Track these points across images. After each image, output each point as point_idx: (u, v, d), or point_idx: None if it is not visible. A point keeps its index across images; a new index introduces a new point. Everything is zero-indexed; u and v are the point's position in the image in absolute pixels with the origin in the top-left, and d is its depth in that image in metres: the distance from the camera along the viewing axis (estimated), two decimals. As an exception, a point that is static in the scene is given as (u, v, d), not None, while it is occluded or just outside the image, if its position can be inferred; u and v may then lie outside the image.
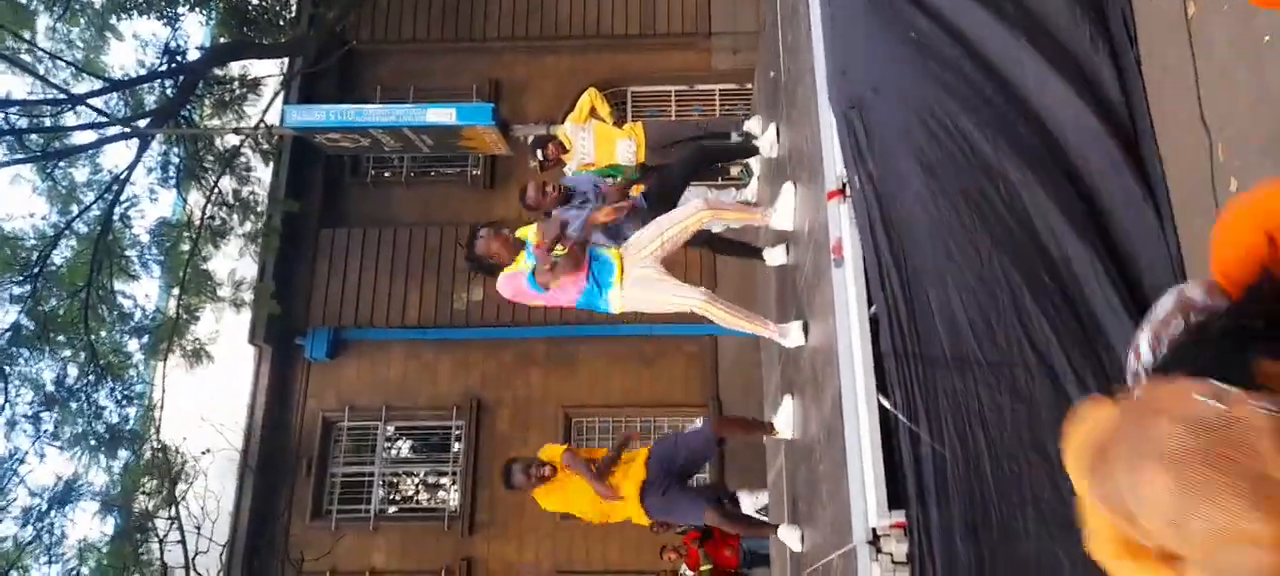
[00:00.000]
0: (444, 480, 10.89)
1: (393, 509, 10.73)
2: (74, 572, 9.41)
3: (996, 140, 2.91)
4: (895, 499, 2.71)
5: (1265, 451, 0.73)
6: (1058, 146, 2.95)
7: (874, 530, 2.73)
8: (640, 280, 4.62)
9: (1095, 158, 2.92)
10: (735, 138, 6.38)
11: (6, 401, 8.77)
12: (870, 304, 3.01)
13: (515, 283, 4.65)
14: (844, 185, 3.28)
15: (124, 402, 9.77)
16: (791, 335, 4.54)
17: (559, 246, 4.53)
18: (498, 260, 4.72)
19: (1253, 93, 2.53)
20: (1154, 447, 0.77)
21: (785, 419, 4.93)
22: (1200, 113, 2.71)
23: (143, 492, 9.44)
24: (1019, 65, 3.11)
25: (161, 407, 9.39)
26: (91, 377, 9.30)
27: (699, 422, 5.59)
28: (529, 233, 4.79)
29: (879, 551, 2.70)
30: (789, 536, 4.93)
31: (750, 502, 6.70)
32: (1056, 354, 2.75)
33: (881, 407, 2.84)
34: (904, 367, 2.78)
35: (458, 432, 10.41)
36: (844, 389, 3.02)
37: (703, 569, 7.44)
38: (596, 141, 6.03)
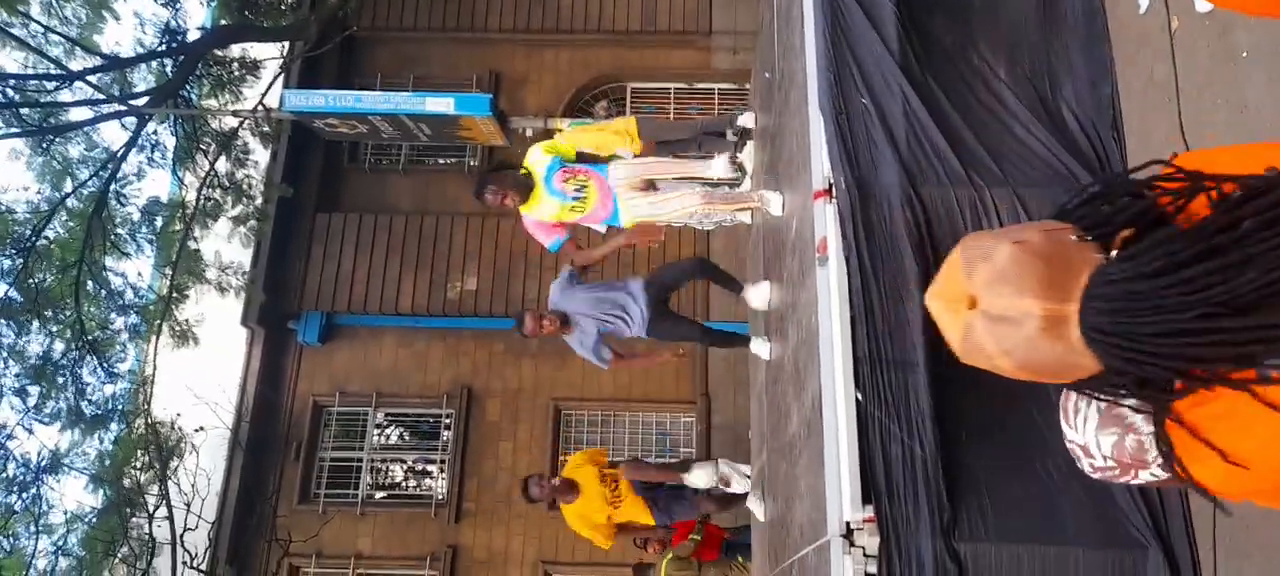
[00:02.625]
0: (432, 468, 10.93)
1: (380, 495, 10.77)
2: (62, 542, 9.44)
3: (973, 156, 2.96)
4: (869, 495, 2.76)
5: (1077, 281, 0.93)
6: (1032, 161, 3.00)
7: (848, 524, 2.77)
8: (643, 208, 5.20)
9: (1072, 171, 2.97)
10: (730, 135, 6.43)
11: (-3, 375, 8.79)
12: (851, 304, 3.05)
13: (540, 231, 5.23)
14: (830, 186, 3.33)
15: (112, 378, 9.79)
16: (773, 205, 4.72)
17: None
18: (512, 209, 5.13)
19: (1231, 105, 2.58)
20: (1019, 234, 0.98)
21: (754, 504, 5.36)
22: (1180, 123, 2.75)
23: (132, 467, 9.46)
24: (996, 97, 3.16)
25: (152, 384, 9.41)
26: (78, 352, 9.32)
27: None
28: (539, 161, 5.10)
29: (852, 545, 2.74)
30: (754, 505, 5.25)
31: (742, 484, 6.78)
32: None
33: (858, 404, 2.88)
34: (878, 371, 2.82)
35: (447, 421, 10.44)
36: (824, 385, 3.06)
37: (692, 537, 7.49)
38: (596, 148, 6.12)
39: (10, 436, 9.05)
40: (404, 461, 11.24)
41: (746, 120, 6.32)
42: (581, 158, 5.87)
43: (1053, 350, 0.95)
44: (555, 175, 5.07)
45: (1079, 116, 3.03)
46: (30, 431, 9.11)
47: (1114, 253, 0.97)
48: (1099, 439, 1.13)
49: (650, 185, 5.32)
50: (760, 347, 5.08)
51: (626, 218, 5.22)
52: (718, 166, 6.33)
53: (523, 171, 5.20)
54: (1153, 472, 1.11)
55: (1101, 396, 1.04)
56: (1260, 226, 0.85)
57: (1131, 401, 1.03)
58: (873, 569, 2.67)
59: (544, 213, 5.10)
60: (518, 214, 5.28)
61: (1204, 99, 2.70)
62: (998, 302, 0.96)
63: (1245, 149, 1.02)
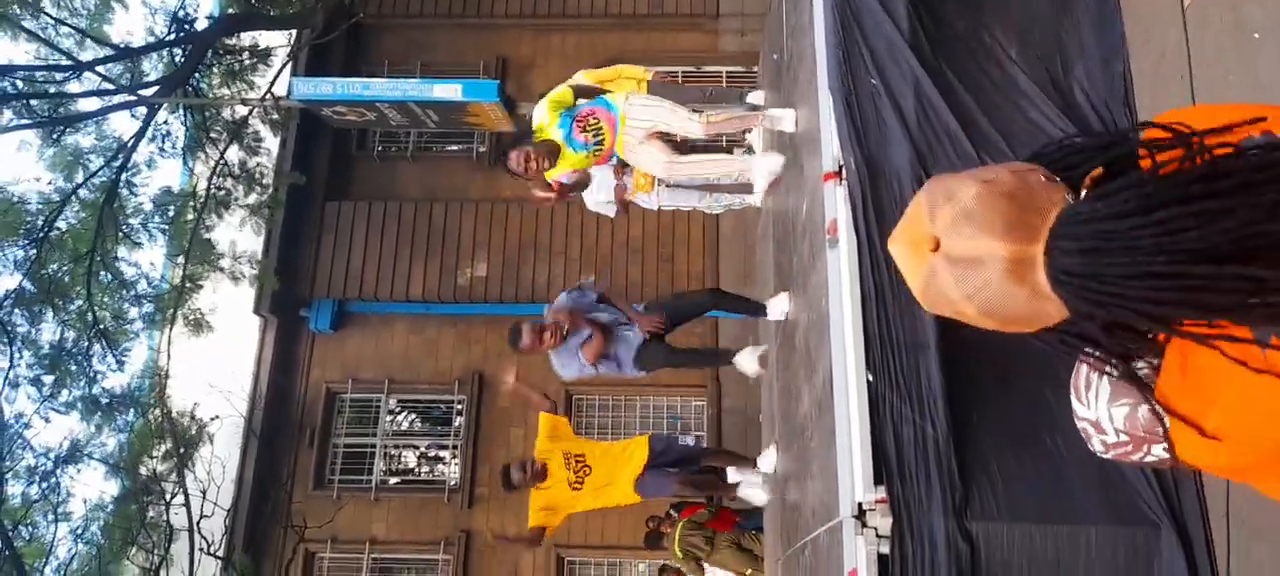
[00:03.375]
0: (444, 453, 11.00)
1: (394, 480, 10.84)
2: (81, 531, 9.56)
3: (984, 136, 2.95)
4: (882, 476, 2.77)
5: (1045, 221, 0.90)
6: (1045, 140, 2.99)
7: (860, 504, 2.79)
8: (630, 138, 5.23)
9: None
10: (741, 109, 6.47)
11: (10, 364, 8.87)
12: (862, 285, 3.06)
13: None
14: (840, 168, 3.32)
15: (120, 370, 9.88)
16: (784, 119, 4.80)
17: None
18: (539, 173, 5.17)
19: (1243, 82, 2.56)
20: (985, 174, 0.94)
21: (768, 462, 5.30)
22: (1192, 101, 2.74)
23: (150, 457, 9.56)
24: (1008, 76, 3.14)
25: (166, 376, 9.49)
26: (91, 342, 9.40)
27: (690, 440, 6.19)
28: (552, 122, 5.12)
29: (864, 525, 2.76)
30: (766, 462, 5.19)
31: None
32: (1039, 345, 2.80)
33: (870, 385, 2.90)
34: (889, 351, 2.83)
35: (459, 407, 10.50)
36: (835, 366, 3.07)
37: (701, 515, 7.53)
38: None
39: (27, 425, 9.16)
40: (417, 447, 11.32)
41: (756, 98, 6.32)
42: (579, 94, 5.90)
43: (1018, 294, 0.91)
44: (573, 131, 5.14)
45: (1091, 95, 3.02)
46: (47, 420, 9.21)
47: (1083, 193, 0.94)
48: (1111, 412, 1.10)
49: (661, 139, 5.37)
50: (778, 307, 5.02)
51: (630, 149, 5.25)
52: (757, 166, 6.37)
53: (539, 135, 5.23)
54: (1165, 446, 1.09)
55: (1069, 347, 1.00)
56: (1245, 182, 0.82)
57: (1111, 369, 1.00)
58: (885, 549, 2.69)
59: (567, 171, 5.24)
60: (537, 180, 5.30)
61: (1216, 77, 2.68)
62: (960, 244, 0.91)
63: (1217, 108, 0.98)
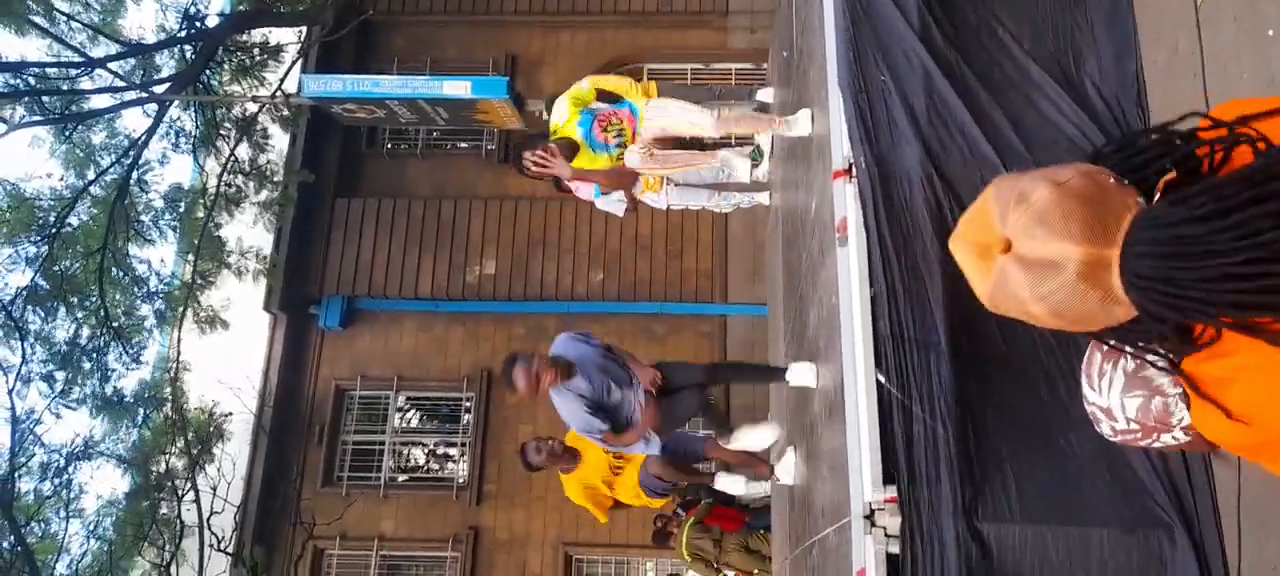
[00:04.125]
0: (453, 450, 11.02)
1: (403, 477, 10.87)
2: (93, 527, 9.62)
3: (996, 133, 2.93)
4: (892, 475, 2.76)
5: (1119, 224, 0.91)
6: (1057, 137, 2.97)
7: (869, 504, 2.78)
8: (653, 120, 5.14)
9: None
10: (751, 107, 6.48)
11: (23, 360, 8.92)
12: (872, 284, 3.04)
13: (581, 184, 5.20)
14: (850, 166, 3.31)
15: (138, 365, 9.93)
16: (798, 123, 4.62)
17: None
18: (558, 172, 5.08)
19: (1257, 79, 2.54)
20: (1056, 176, 0.95)
21: (787, 467, 4.96)
22: (1205, 99, 2.72)
23: (162, 453, 9.62)
24: (1020, 72, 3.12)
25: (176, 372, 9.54)
26: (105, 339, 9.45)
27: (700, 433, 5.99)
28: (572, 120, 5.04)
29: (873, 525, 2.75)
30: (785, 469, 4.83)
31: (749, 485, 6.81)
32: (1052, 343, 2.78)
33: (879, 385, 2.88)
34: (900, 349, 2.81)
35: (468, 404, 10.52)
36: (844, 365, 3.06)
37: (704, 502, 7.50)
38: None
39: (38, 421, 9.22)
40: (425, 444, 11.34)
41: (765, 94, 6.33)
42: (600, 96, 5.75)
43: (1091, 296, 0.93)
44: (594, 131, 5.01)
45: (1103, 92, 3.00)
46: (58, 416, 9.26)
47: (1156, 198, 0.95)
48: (1124, 402, 1.11)
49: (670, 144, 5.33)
50: (802, 375, 4.35)
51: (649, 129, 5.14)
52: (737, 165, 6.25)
53: (556, 134, 5.12)
54: (1174, 436, 1.11)
55: (1133, 348, 1.01)
56: None
57: (1160, 360, 1.01)
58: (894, 549, 2.67)
59: (593, 168, 5.08)
60: (546, 153, 5.06)
61: (1230, 74, 2.66)
62: (1034, 246, 0.92)
63: (1272, 100, 1.00)
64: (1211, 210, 0.86)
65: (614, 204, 6.60)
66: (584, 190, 5.28)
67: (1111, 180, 0.96)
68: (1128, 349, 1.02)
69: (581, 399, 4.48)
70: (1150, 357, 1.02)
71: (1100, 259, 0.91)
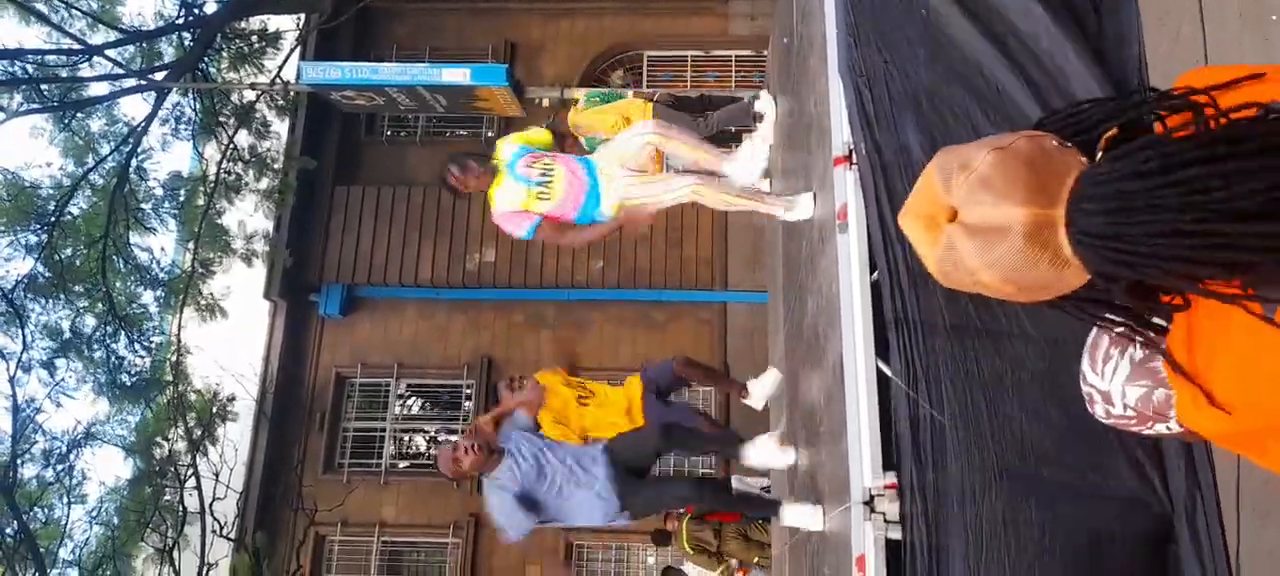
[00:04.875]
0: (454, 437, 11.03)
1: (403, 464, 10.90)
2: (96, 513, 9.66)
3: (997, 116, 2.92)
4: (891, 461, 2.77)
5: (1063, 184, 0.90)
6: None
7: (869, 490, 2.79)
8: (625, 189, 4.58)
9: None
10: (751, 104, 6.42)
11: (25, 347, 8.94)
12: (872, 270, 3.04)
13: (510, 221, 4.61)
14: (850, 152, 3.30)
15: (141, 352, 9.95)
16: (799, 207, 4.30)
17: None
18: (475, 190, 4.69)
19: (1260, 64, 2.53)
20: (997, 142, 0.94)
21: (762, 389, 4.85)
22: (1208, 86, 2.71)
23: (164, 439, 9.64)
24: (1034, 37, 3.11)
25: (178, 357, 9.55)
26: (108, 327, 9.46)
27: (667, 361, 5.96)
28: (507, 146, 4.68)
29: (873, 511, 2.76)
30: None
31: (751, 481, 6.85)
32: (1057, 324, 2.79)
33: (880, 372, 2.89)
34: (904, 333, 2.81)
35: (468, 392, 10.54)
36: (845, 351, 3.06)
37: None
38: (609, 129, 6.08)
39: (39, 409, 9.24)
40: (426, 431, 11.37)
41: (764, 105, 6.24)
42: (564, 144, 5.45)
43: (1039, 259, 0.91)
44: (520, 159, 4.61)
45: (1105, 76, 2.99)
46: (58, 405, 9.29)
47: (1099, 155, 0.94)
48: (1126, 389, 1.10)
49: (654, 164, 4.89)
50: (801, 517, 3.95)
51: (609, 200, 4.58)
52: (741, 167, 5.66)
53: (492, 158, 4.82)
54: (1170, 426, 1.10)
55: (1091, 315, 1.00)
56: (1269, 144, 0.82)
57: (1123, 328, 1.00)
58: (893, 534, 2.68)
59: (508, 197, 4.59)
60: (485, 204, 4.80)
61: (1232, 61, 2.65)
62: (980, 211, 0.91)
63: (1222, 68, 0.98)
64: (1157, 166, 0.85)
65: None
66: (509, 223, 4.68)
67: (1055, 143, 0.95)
68: (1086, 315, 1.01)
69: (507, 484, 4.25)
70: (1111, 323, 1.00)
71: (1046, 219, 0.90)
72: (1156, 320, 0.99)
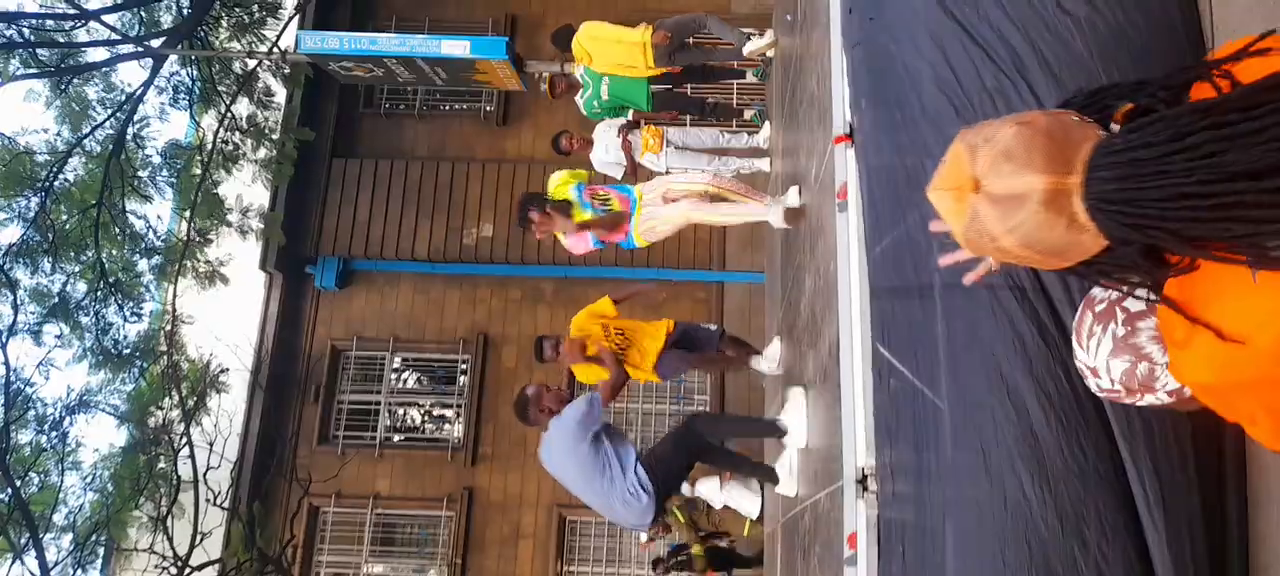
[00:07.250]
0: (449, 412, 11.05)
1: (398, 437, 10.91)
2: (90, 480, 9.66)
3: (999, 96, 2.89)
4: (885, 440, 2.76)
5: (1079, 154, 0.96)
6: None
7: (862, 469, 2.79)
8: (648, 218, 5.56)
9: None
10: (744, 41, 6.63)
11: (15, 312, 8.91)
12: (870, 248, 3.02)
13: (577, 242, 5.58)
14: (851, 130, 3.28)
15: (134, 319, 9.92)
16: (789, 198, 4.93)
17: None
18: (556, 231, 5.58)
19: (1267, 50, 2.50)
20: (1020, 117, 1.00)
21: (773, 352, 5.57)
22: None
23: (158, 408, 9.64)
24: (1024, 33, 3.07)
25: (173, 326, 9.53)
26: (100, 293, 9.43)
27: (712, 327, 6.34)
28: (566, 186, 5.63)
29: (865, 489, 2.76)
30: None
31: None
32: (1056, 299, 2.77)
33: (875, 351, 2.87)
34: (897, 318, 2.80)
35: (463, 366, 10.53)
36: (841, 330, 3.05)
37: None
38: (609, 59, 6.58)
39: (30, 382, 9.22)
40: (421, 405, 11.38)
41: (752, 45, 6.49)
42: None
43: (1057, 225, 0.96)
44: (583, 193, 5.59)
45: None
46: (46, 377, 9.28)
47: (1115, 128, 1.00)
48: (1110, 364, 1.15)
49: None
50: (787, 485, 4.58)
51: (642, 228, 5.55)
52: (762, 136, 6.55)
53: (553, 198, 5.68)
54: (1158, 398, 1.16)
55: (1107, 279, 1.05)
56: (1276, 107, 0.86)
57: (1138, 292, 1.05)
58: (889, 514, 2.68)
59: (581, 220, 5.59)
60: (547, 213, 5.56)
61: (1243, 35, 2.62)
62: (1002, 181, 0.97)
63: (1233, 43, 1.02)
64: (1167, 134, 0.90)
65: (612, 166, 6.69)
66: (581, 244, 5.59)
67: (1075, 118, 1.00)
68: (1101, 280, 1.06)
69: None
70: (1127, 289, 1.05)
71: (1063, 187, 0.95)
72: (1165, 277, 1.03)
